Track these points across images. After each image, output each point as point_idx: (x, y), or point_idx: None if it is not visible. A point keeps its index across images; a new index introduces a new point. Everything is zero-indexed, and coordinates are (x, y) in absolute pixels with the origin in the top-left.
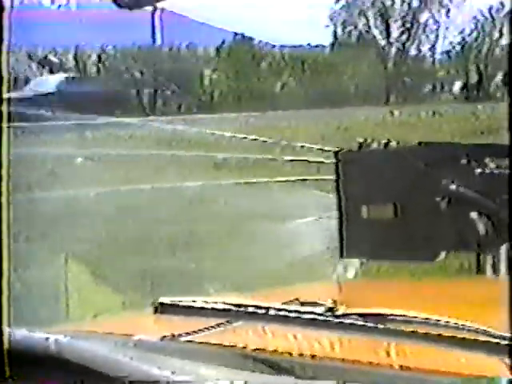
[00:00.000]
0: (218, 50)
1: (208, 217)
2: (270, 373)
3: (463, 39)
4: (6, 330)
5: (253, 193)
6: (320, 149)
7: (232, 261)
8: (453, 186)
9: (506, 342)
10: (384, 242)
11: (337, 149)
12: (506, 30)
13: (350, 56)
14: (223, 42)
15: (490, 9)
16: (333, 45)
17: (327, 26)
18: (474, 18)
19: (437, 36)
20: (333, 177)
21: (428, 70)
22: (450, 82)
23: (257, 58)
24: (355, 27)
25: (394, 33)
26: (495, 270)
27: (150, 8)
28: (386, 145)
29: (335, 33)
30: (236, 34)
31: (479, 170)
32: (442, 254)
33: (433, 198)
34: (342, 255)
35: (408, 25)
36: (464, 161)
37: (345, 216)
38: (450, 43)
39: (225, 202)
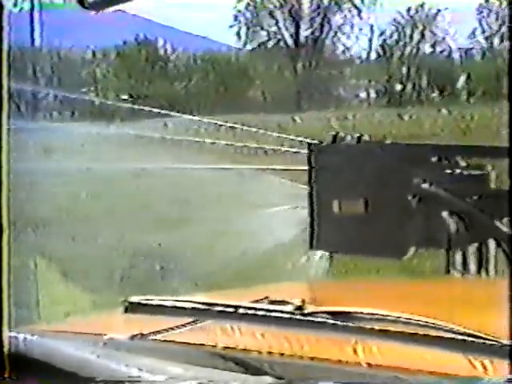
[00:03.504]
0: (117, 52)
1: (176, 206)
2: (239, 371)
3: (384, 41)
4: None
5: (224, 179)
6: (293, 139)
7: (200, 251)
8: (425, 185)
9: (471, 339)
10: (354, 237)
11: (311, 140)
12: (427, 33)
13: (259, 59)
14: (125, 43)
15: (408, 10)
16: (242, 47)
17: (231, 26)
18: (394, 20)
19: (351, 37)
20: (305, 168)
21: (343, 73)
22: (368, 87)
23: (152, 61)
24: (262, 28)
25: (304, 34)
26: (465, 269)
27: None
28: (359, 139)
29: (238, 33)
30: (138, 35)
31: (450, 170)
32: (411, 251)
33: (404, 196)
34: (311, 247)
35: (318, 26)
36: (435, 160)
37: (316, 208)
38: (369, 46)
39: (192, 189)
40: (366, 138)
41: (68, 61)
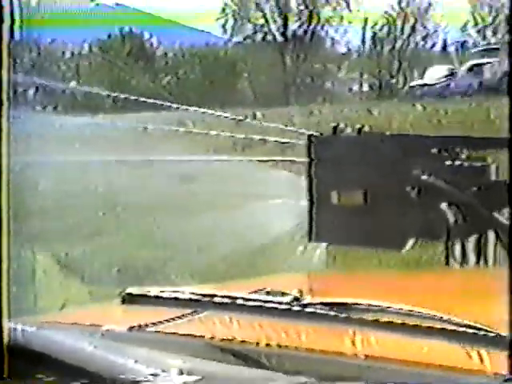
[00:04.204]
0: (100, 46)
1: (176, 198)
2: (237, 363)
3: (374, 34)
4: None
5: (224, 171)
6: (293, 131)
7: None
8: (424, 176)
9: (469, 330)
10: (353, 228)
11: (310, 132)
12: (418, 26)
13: (248, 52)
14: (109, 36)
15: (399, 2)
16: (228, 40)
17: (217, 18)
18: (386, 12)
19: (339, 30)
20: (305, 159)
21: (333, 67)
22: (358, 80)
23: (135, 54)
24: (248, 20)
25: (292, 27)
26: (464, 260)
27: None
28: (359, 131)
29: (224, 26)
30: (122, 28)
31: (450, 161)
32: (410, 242)
33: (403, 187)
34: (310, 239)
35: (306, 18)
36: (435, 151)
37: (315, 200)
38: (362, 39)
39: (189, 181)
40: (366, 129)
41: (49, 54)
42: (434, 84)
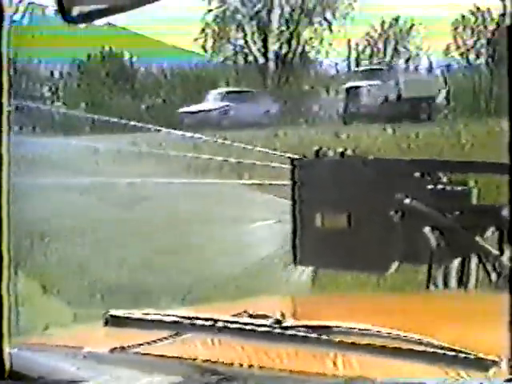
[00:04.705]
0: (78, 66)
1: (159, 221)
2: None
3: (358, 56)
4: None
5: (206, 195)
6: (276, 154)
7: (183, 268)
8: (407, 200)
9: (448, 353)
10: (336, 252)
11: (294, 156)
12: (401, 48)
13: (229, 73)
14: (89, 56)
15: (382, 24)
16: (207, 61)
17: (196, 39)
18: (367, 34)
19: (321, 52)
20: (288, 182)
21: (314, 88)
22: (339, 102)
23: (117, 76)
24: (228, 40)
25: (272, 47)
26: (446, 284)
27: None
28: (342, 154)
29: (204, 47)
30: (103, 48)
31: (432, 185)
32: (394, 266)
33: (386, 211)
34: (294, 262)
35: (286, 40)
36: (417, 175)
37: (299, 223)
38: (346, 60)
39: (176, 204)
40: (348, 152)
41: (28, 75)
42: (210, 110)
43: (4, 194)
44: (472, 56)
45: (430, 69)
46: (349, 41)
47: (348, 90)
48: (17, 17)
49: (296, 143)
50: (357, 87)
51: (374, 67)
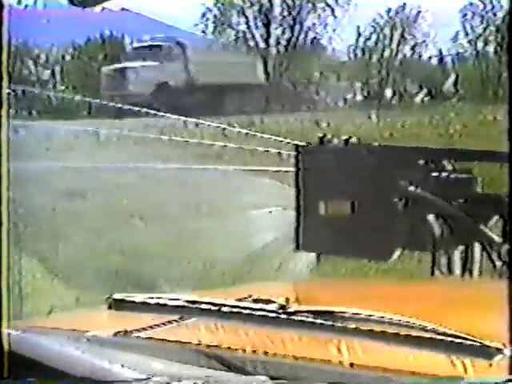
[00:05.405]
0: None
1: (164, 206)
2: (222, 369)
3: (364, 43)
4: None
5: (212, 180)
6: (281, 141)
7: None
8: (411, 188)
9: (453, 340)
10: (340, 238)
11: (298, 142)
12: (407, 34)
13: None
14: (89, 39)
15: (388, 11)
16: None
17: (196, 24)
18: (373, 20)
19: (324, 37)
20: (292, 169)
21: (317, 75)
22: (344, 89)
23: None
24: (229, 25)
25: (275, 34)
26: (449, 271)
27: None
28: (347, 141)
29: (204, 31)
30: (103, 31)
31: (436, 173)
32: (397, 253)
33: (390, 198)
34: (297, 248)
35: (289, 25)
36: (422, 163)
37: (302, 209)
38: (349, 47)
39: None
40: (353, 140)
41: (25, 58)
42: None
43: (4, 179)
44: (480, 43)
45: (440, 57)
46: (358, 27)
47: (114, 72)
48: (30, 1)
49: None
50: (122, 69)
51: (153, 43)
